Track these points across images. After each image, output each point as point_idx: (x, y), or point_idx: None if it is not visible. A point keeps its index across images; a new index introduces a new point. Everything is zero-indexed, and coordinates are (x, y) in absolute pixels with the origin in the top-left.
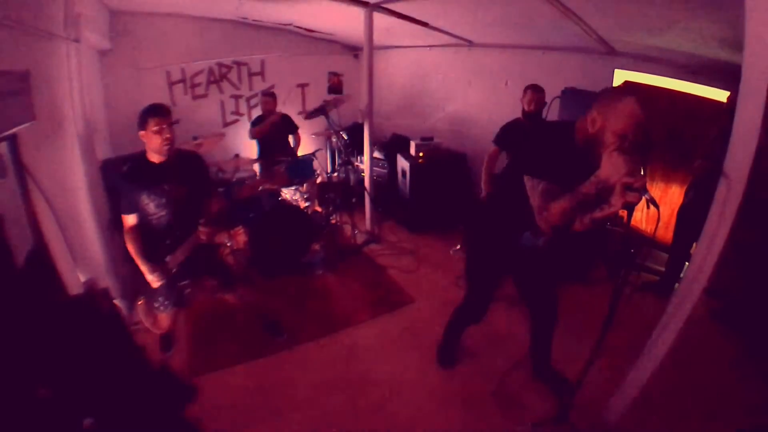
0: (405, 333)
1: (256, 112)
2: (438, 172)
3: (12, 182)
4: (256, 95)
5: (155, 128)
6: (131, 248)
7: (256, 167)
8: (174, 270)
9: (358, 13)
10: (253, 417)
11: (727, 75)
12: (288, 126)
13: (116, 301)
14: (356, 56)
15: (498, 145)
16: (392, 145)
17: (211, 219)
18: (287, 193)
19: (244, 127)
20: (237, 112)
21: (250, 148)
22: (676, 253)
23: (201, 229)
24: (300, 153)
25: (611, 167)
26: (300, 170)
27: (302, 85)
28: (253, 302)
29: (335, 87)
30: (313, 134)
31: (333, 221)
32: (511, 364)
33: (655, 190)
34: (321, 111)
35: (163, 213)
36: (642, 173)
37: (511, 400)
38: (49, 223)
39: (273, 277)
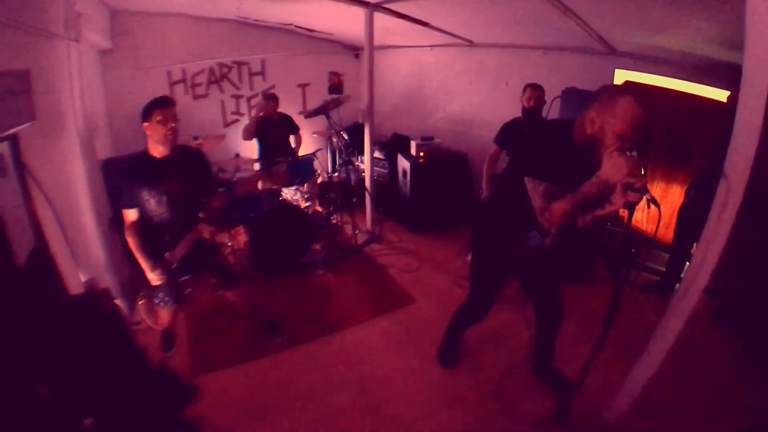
0: (405, 333)
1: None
2: (439, 172)
3: (13, 182)
4: (256, 95)
5: (159, 118)
6: (132, 244)
7: (257, 167)
8: (174, 266)
9: (358, 13)
10: (253, 417)
11: (728, 75)
12: (289, 127)
13: (117, 301)
14: (357, 56)
15: (498, 144)
16: (393, 144)
17: (212, 214)
18: (288, 193)
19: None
20: (238, 112)
21: (250, 148)
22: (677, 253)
23: (202, 224)
24: (301, 153)
25: (612, 167)
26: (300, 170)
27: (303, 85)
28: (253, 301)
29: (336, 87)
30: (314, 134)
31: (333, 221)
32: (512, 364)
33: (656, 189)
34: (321, 111)
35: (163, 210)
36: (643, 173)
37: (512, 400)
38: (50, 223)
39: (273, 276)
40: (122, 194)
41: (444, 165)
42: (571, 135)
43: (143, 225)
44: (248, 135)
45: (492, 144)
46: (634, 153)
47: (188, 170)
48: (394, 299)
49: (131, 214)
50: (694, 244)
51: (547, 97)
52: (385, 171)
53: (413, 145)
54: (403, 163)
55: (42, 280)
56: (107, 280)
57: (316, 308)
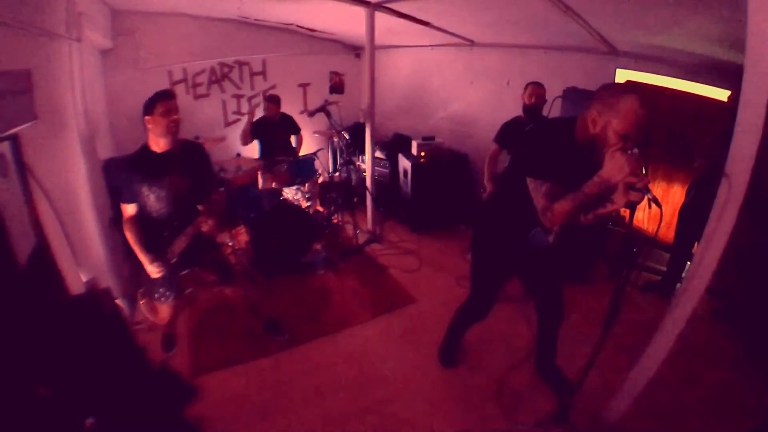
0: (406, 333)
1: (258, 112)
2: (440, 171)
3: (14, 182)
4: (257, 95)
5: (162, 110)
6: (130, 237)
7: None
8: (173, 260)
9: (359, 12)
10: (254, 417)
11: (729, 74)
12: (290, 127)
13: (118, 301)
14: (358, 56)
15: (498, 143)
16: (394, 144)
17: (211, 208)
18: (289, 193)
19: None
20: (239, 112)
21: (251, 148)
22: (678, 253)
23: (201, 217)
24: (302, 153)
25: (614, 167)
26: (301, 170)
27: (304, 85)
28: (252, 298)
29: (337, 87)
30: (315, 133)
31: (334, 221)
32: (512, 364)
33: (657, 189)
34: (322, 110)
35: (163, 205)
36: (644, 173)
37: (513, 400)
38: (51, 223)
39: (274, 276)
40: (122, 189)
41: (445, 165)
42: (573, 134)
43: (143, 220)
44: (245, 140)
45: (492, 143)
46: (636, 151)
47: (189, 165)
48: (394, 299)
49: (130, 209)
50: (695, 244)
51: (548, 97)
52: (386, 171)
53: (414, 144)
54: (404, 163)
55: (43, 279)
56: (108, 280)
57: (317, 308)
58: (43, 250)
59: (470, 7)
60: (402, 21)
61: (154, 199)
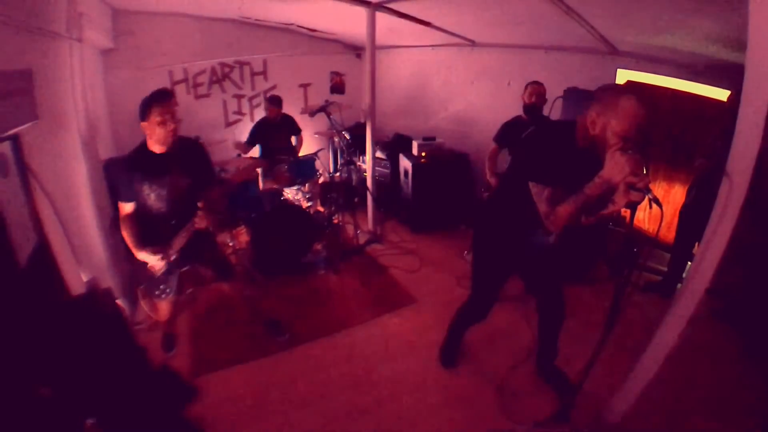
0: (407, 333)
1: (259, 112)
2: (440, 172)
3: (14, 182)
4: (258, 95)
5: (159, 119)
6: (127, 235)
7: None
8: (173, 257)
9: (360, 12)
10: (254, 417)
11: (730, 75)
12: (291, 128)
13: (118, 301)
14: (358, 56)
15: (498, 143)
16: (395, 144)
17: (210, 204)
18: (289, 193)
19: (246, 126)
20: (239, 112)
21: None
22: (679, 253)
23: (199, 213)
24: (302, 153)
25: (614, 167)
26: (302, 170)
27: (304, 85)
28: (251, 295)
29: (337, 87)
30: (315, 134)
31: (335, 221)
32: (513, 364)
33: (658, 189)
34: (322, 110)
35: (163, 204)
36: (645, 172)
37: (513, 400)
38: (52, 223)
39: (275, 276)
40: (121, 187)
41: (446, 165)
42: (573, 137)
43: (142, 218)
44: (245, 150)
45: (491, 142)
46: (636, 152)
47: (188, 163)
48: (395, 299)
49: (127, 207)
50: (696, 244)
51: (549, 97)
52: (387, 171)
53: (415, 144)
54: (404, 163)
55: (44, 279)
56: (109, 280)
57: (318, 308)
58: (43, 250)
59: (471, 7)
60: (403, 21)
61: (154, 197)
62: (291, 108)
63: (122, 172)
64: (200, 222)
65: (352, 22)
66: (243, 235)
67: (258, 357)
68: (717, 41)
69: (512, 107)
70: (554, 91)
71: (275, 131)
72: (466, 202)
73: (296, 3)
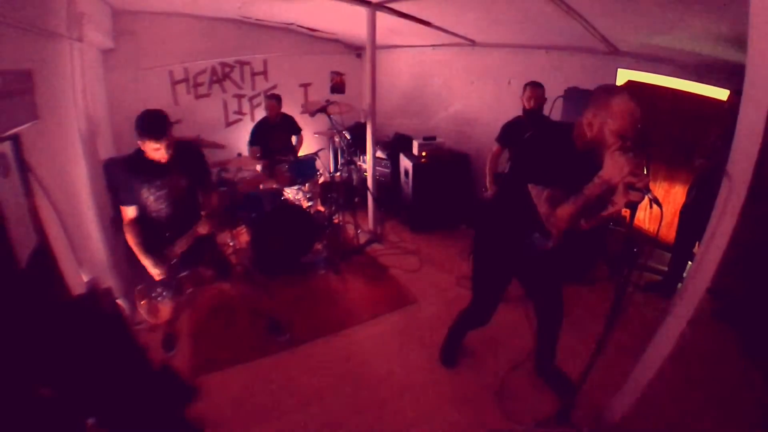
0: (407, 333)
1: (259, 112)
2: (441, 171)
3: (15, 181)
4: (258, 95)
5: (152, 150)
6: (131, 241)
7: (259, 167)
8: (174, 261)
9: (360, 12)
10: (255, 417)
11: (730, 74)
12: (291, 127)
13: (119, 301)
14: (359, 56)
15: (500, 143)
16: (395, 144)
17: (213, 212)
18: (290, 193)
19: (246, 126)
20: (240, 112)
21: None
22: (679, 253)
23: (203, 221)
24: (303, 153)
25: (613, 167)
26: (302, 170)
27: (305, 85)
28: (250, 294)
29: (338, 86)
30: (316, 134)
31: (335, 221)
32: (514, 364)
33: (658, 189)
34: (322, 110)
35: (162, 206)
36: (645, 172)
37: (513, 400)
38: (52, 223)
39: (275, 276)
40: (120, 191)
41: (446, 165)
42: (571, 139)
43: (143, 221)
44: (256, 153)
45: (494, 143)
46: (637, 151)
47: (185, 165)
48: (395, 299)
49: (130, 212)
50: (697, 244)
51: (550, 97)
52: (387, 171)
53: (415, 144)
54: (405, 163)
55: (44, 279)
56: (109, 280)
57: (318, 308)
58: (44, 250)
59: (471, 7)
60: (403, 21)
61: (153, 200)
62: (291, 108)
63: (121, 175)
64: (203, 228)
65: (353, 22)
66: (243, 235)
67: (258, 357)
68: (717, 40)
69: (513, 107)
70: (555, 90)
71: (275, 131)
72: (466, 202)
73: (296, 3)
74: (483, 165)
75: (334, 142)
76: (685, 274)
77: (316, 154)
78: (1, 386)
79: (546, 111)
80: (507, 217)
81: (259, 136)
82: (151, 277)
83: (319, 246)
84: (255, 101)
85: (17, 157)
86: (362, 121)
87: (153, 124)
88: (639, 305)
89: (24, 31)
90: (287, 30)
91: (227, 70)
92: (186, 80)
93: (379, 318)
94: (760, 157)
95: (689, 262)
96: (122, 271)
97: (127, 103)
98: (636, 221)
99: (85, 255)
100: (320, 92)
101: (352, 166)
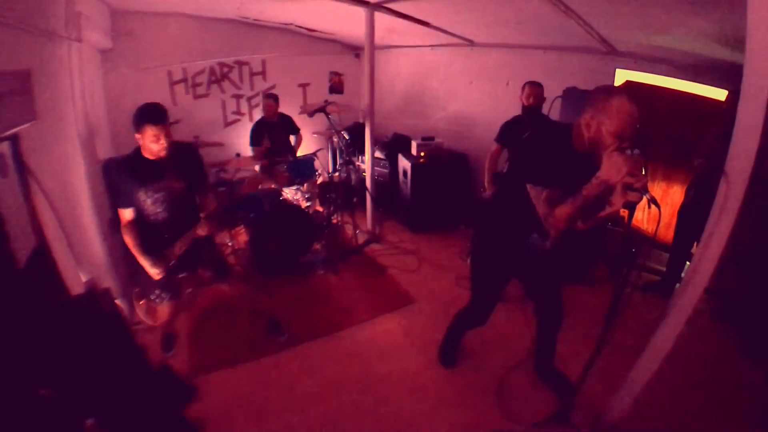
0: (406, 333)
1: (257, 112)
2: (439, 172)
3: (13, 182)
4: (257, 95)
5: (151, 138)
6: (129, 243)
7: (257, 167)
8: (172, 263)
9: (359, 12)
10: (253, 417)
11: (729, 75)
12: (289, 127)
13: (117, 301)
14: (357, 56)
15: (500, 143)
16: (393, 144)
17: (212, 213)
18: (288, 193)
19: (245, 126)
20: (238, 112)
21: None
22: (677, 253)
23: (202, 223)
24: (301, 153)
25: (611, 167)
26: (301, 170)
27: (303, 85)
28: (249, 295)
29: (336, 87)
30: (314, 134)
31: (334, 221)
32: (512, 364)
33: (656, 189)
34: (321, 110)
35: (160, 209)
36: (643, 173)
37: (512, 400)
38: (51, 223)
39: (274, 276)
40: (118, 194)
41: (445, 165)
42: (570, 140)
43: (141, 223)
44: (262, 153)
45: (493, 143)
46: (636, 151)
47: (182, 166)
48: (394, 299)
49: (127, 214)
50: (695, 244)
51: (548, 97)
52: (386, 171)
53: (414, 144)
54: (403, 163)
55: (43, 280)
56: (108, 280)
57: (317, 308)
58: (42, 251)
59: (469, 7)
60: (401, 21)
61: (150, 202)
62: (290, 108)
63: (118, 177)
64: (202, 230)
65: (351, 22)
66: (242, 235)
67: (257, 357)
68: (715, 41)
69: (511, 107)
70: (553, 90)
71: (273, 132)
72: (464, 202)
73: (295, 3)
74: (481, 165)
75: (332, 142)
76: (683, 274)
77: (314, 154)
78: (0, 386)
79: (544, 111)
80: (505, 217)
81: (258, 136)
82: (149, 277)
83: (317, 246)
84: (253, 101)
85: (16, 158)
86: (361, 121)
87: (152, 110)
88: (637, 305)
89: (22, 31)
90: (286, 30)
91: (226, 70)
92: (184, 80)
93: (377, 318)
94: (758, 156)
95: (687, 263)
96: (121, 272)
97: (125, 104)
98: (634, 221)
99: (83, 255)
100: (319, 92)
101: (351, 167)
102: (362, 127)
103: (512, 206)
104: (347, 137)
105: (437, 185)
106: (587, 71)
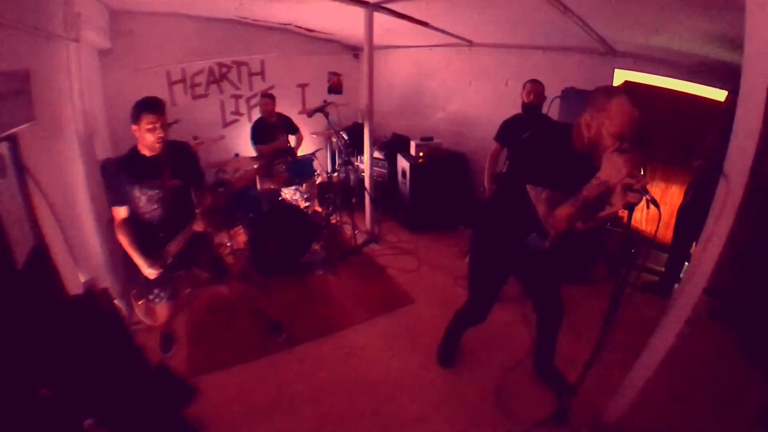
0: (405, 333)
1: (256, 112)
2: (438, 172)
3: (12, 182)
4: (256, 95)
5: (148, 126)
6: (124, 241)
7: (255, 165)
8: (169, 262)
9: (358, 12)
10: (253, 417)
11: (727, 75)
12: (288, 127)
13: (116, 301)
14: (356, 56)
15: (499, 142)
16: (392, 145)
17: (208, 209)
18: (287, 193)
19: (244, 126)
20: (237, 112)
21: (249, 148)
22: (676, 253)
23: (198, 219)
24: (300, 153)
25: (611, 168)
26: (300, 170)
27: (302, 85)
28: (248, 295)
29: (335, 87)
30: (313, 134)
31: (333, 221)
32: (512, 364)
33: (655, 189)
34: (320, 110)
35: (156, 207)
36: (642, 173)
37: (512, 400)
38: (49, 223)
39: (273, 277)
40: (112, 192)
41: (443, 165)
42: (570, 140)
43: (136, 222)
44: (266, 150)
45: (492, 142)
46: (635, 153)
47: (178, 166)
48: (393, 299)
49: (121, 212)
50: (693, 244)
51: (547, 97)
52: (385, 171)
53: (413, 145)
54: (402, 163)
55: (41, 280)
56: (106, 280)
57: (316, 308)
58: (41, 251)
59: (468, 7)
60: (400, 21)
61: (145, 200)
62: (290, 108)
63: (113, 175)
64: (197, 226)
65: (350, 22)
66: (241, 236)
67: (256, 357)
68: (714, 41)
69: (510, 107)
70: (552, 91)
71: (274, 131)
72: (463, 202)
73: (294, 3)
74: (480, 165)
75: (331, 142)
76: (682, 275)
77: (313, 154)
78: None
79: (544, 111)
80: (505, 217)
81: (261, 134)
82: (146, 279)
83: (316, 246)
84: (252, 102)
85: (14, 158)
86: (360, 121)
87: (150, 100)
88: (636, 306)
89: (21, 31)
90: (284, 30)
91: (224, 70)
92: (183, 81)
93: (376, 318)
94: (756, 156)
95: (686, 263)
96: (119, 272)
97: (124, 104)
98: (633, 222)
99: (82, 255)
100: (318, 93)
101: (350, 167)
102: (361, 127)
103: (511, 206)
104: (346, 137)
105: (436, 185)
106: (586, 71)
